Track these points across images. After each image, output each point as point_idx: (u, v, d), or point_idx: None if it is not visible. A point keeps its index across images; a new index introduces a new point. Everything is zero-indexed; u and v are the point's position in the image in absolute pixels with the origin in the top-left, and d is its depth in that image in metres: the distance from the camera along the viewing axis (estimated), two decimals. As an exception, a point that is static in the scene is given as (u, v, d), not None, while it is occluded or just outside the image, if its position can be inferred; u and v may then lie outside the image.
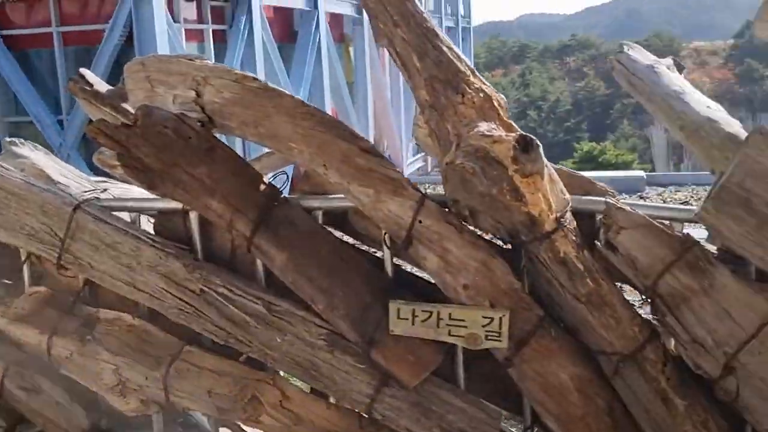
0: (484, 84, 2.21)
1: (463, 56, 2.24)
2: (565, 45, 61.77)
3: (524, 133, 2.04)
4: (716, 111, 2.52)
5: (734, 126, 2.46)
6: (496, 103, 2.18)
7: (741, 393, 2.00)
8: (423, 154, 25.33)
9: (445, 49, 2.22)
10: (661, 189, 13.57)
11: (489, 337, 2.17)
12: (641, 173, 14.98)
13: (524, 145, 2.01)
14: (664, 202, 12.00)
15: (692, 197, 12.53)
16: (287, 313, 2.35)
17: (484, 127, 2.09)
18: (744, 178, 1.93)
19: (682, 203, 12.03)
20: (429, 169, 25.45)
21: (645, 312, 2.18)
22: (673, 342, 2.14)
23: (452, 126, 2.15)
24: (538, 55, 60.70)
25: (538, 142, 2.03)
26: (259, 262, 2.40)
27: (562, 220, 2.10)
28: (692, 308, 2.02)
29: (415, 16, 2.24)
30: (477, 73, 2.22)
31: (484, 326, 2.16)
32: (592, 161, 21.81)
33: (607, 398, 2.17)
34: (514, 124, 2.17)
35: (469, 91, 2.16)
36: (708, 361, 2.03)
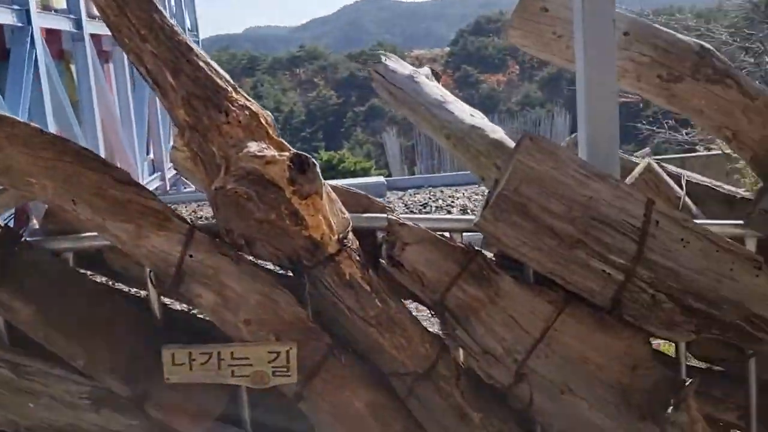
0: (249, 100, 2.04)
1: (222, 72, 2.06)
2: (294, 56, 62.65)
3: (299, 152, 1.91)
4: (479, 119, 2.56)
5: (499, 132, 2.50)
6: (263, 121, 2.02)
7: (533, 398, 2.01)
8: (160, 173, 24.41)
9: (201, 64, 2.02)
10: (401, 193, 14.06)
11: (277, 373, 2.00)
12: (381, 179, 15.44)
13: (300, 165, 1.88)
14: (406, 205, 12.44)
15: (430, 199, 13.10)
16: (40, 374, 2.03)
17: (254, 147, 1.93)
18: (519, 184, 1.94)
19: (422, 205, 12.56)
20: (168, 188, 24.59)
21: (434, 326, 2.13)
22: (462, 354, 2.11)
23: (218, 148, 1.96)
24: (268, 67, 61.01)
25: (314, 160, 1.90)
26: (0, 318, 2.05)
27: (344, 240, 1.99)
28: (481, 319, 2.00)
29: (164, 29, 2.02)
30: (239, 89, 2.05)
31: (270, 362, 1.99)
32: (333, 170, 22.21)
33: (403, 421, 2.09)
34: (285, 143, 2.02)
35: (233, 108, 1.99)
36: (500, 371, 2.02)
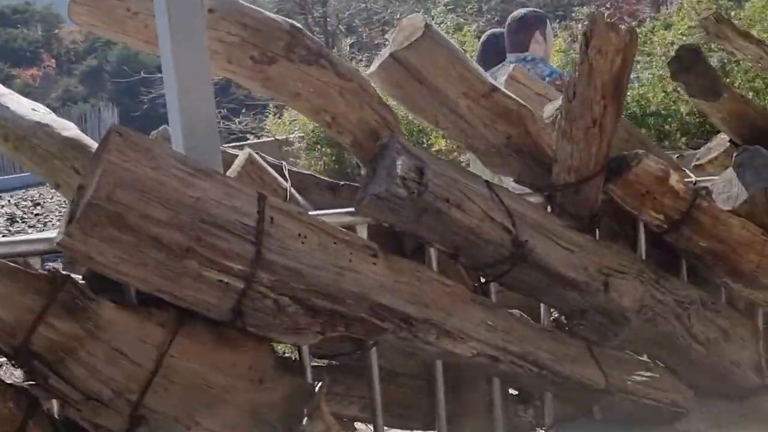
0: None
1: None
2: None
3: None
4: (46, 114, 2.10)
5: (72, 130, 2.08)
6: None
7: (154, 441, 1.69)
8: None
9: None
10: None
11: None
12: None
13: None
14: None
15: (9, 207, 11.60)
16: None
17: None
18: (113, 190, 1.59)
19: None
20: None
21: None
22: (57, 406, 1.71)
23: None
24: None
25: None
26: None
27: None
28: (80, 359, 1.62)
29: None
30: None
31: None
32: None
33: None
34: None
35: None
36: (110, 417, 1.66)
